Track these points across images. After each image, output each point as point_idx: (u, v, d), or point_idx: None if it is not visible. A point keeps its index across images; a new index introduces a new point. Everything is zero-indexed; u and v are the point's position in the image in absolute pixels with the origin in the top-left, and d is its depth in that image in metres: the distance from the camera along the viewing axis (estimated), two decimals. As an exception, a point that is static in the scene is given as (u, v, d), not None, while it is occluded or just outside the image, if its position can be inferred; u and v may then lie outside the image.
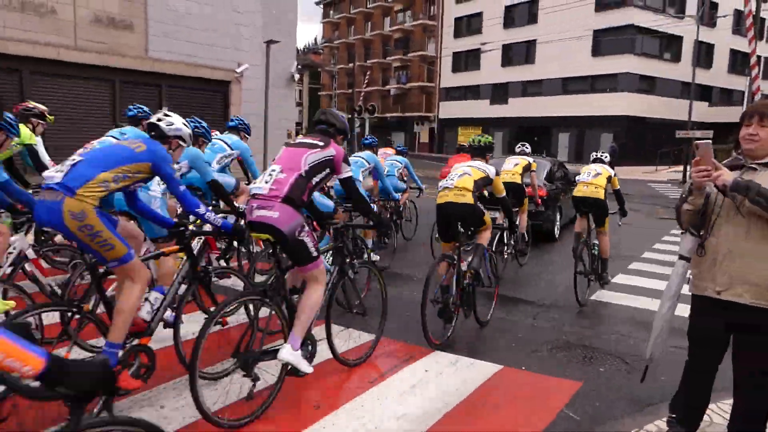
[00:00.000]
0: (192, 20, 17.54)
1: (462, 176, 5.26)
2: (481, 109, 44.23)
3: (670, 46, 37.47)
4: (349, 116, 31.60)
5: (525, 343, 5.08)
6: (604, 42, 35.83)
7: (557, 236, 10.71)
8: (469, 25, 45.15)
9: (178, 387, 3.72)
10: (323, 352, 4.42)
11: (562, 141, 38.06)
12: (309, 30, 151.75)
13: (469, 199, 5.12)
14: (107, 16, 15.73)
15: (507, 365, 4.46)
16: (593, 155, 7.40)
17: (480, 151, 5.62)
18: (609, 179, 6.83)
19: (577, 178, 7.15)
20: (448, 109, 47.62)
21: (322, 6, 64.01)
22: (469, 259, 5.20)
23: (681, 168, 28.73)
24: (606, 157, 7.35)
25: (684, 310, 6.21)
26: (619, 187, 7.06)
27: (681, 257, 2.90)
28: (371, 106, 32.73)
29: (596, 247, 6.88)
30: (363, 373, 4.21)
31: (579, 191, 6.81)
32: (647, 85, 36.42)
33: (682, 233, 2.83)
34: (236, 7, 18.79)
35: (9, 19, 13.95)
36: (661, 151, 34.11)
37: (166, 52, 16.87)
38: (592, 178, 6.80)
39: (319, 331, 4.59)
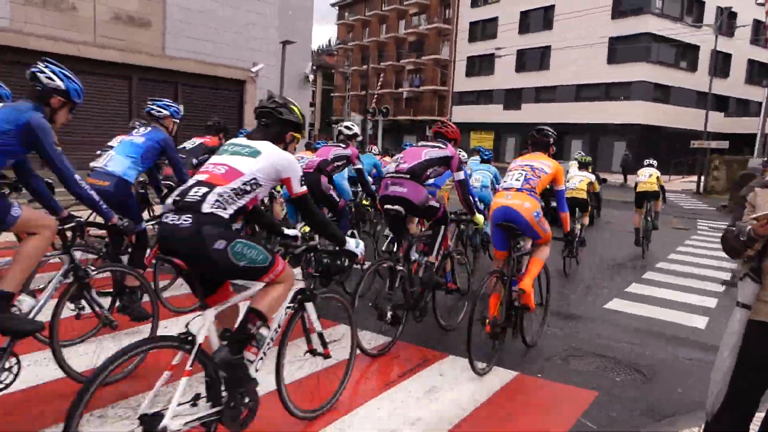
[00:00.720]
0: (209, 19, 17.65)
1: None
2: (494, 114, 44.15)
3: (686, 54, 37.23)
4: (362, 118, 31.64)
5: (539, 351, 5.05)
6: (619, 49, 35.66)
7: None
8: (484, 29, 45.10)
9: (193, 384, 3.72)
10: (337, 355, 4.42)
11: (575, 148, 37.84)
12: (324, 31, 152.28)
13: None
14: (126, 14, 15.86)
15: (522, 372, 4.44)
16: (646, 161, 10.82)
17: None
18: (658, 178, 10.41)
19: (637, 179, 10.57)
20: (461, 113, 47.56)
21: (337, 8, 64.20)
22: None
23: (695, 178, 28.51)
24: (655, 162, 10.75)
25: (690, 319, 6.18)
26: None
27: (742, 305, 2.65)
28: (384, 108, 32.75)
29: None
30: (378, 376, 4.21)
31: (641, 187, 10.35)
32: (662, 93, 36.20)
33: (740, 279, 2.66)
34: (253, 7, 18.88)
35: (30, 15, 14.10)
36: (676, 160, 33.90)
37: (183, 50, 16.98)
38: (648, 178, 10.36)
39: (332, 333, 4.59)
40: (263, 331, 2.94)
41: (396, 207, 4.71)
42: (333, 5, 64.35)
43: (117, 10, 15.68)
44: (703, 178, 27.29)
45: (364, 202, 8.27)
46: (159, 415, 2.47)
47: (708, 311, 6.77)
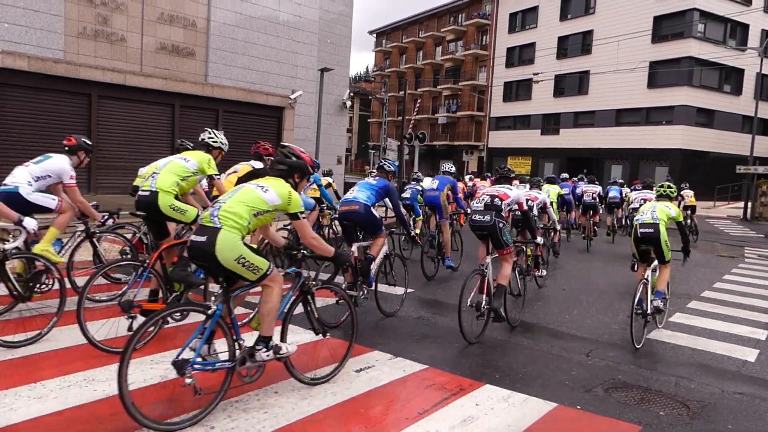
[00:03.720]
0: (250, 48, 18.17)
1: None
2: (532, 139, 43.86)
3: (730, 78, 36.42)
4: (399, 143, 31.85)
5: (579, 381, 4.90)
6: (660, 73, 35.12)
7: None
8: (521, 54, 45.09)
9: (227, 409, 3.74)
10: (371, 381, 4.39)
11: (614, 173, 37.23)
12: (362, 58, 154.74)
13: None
14: (171, 44, 16.47)
15: (561, 403, 4.30)
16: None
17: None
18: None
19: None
20: (498, 139, 47.41)
21: (375, 35, 65.25)
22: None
23: (741, 204, 27.63)
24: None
25: (739, 351, 5.91)
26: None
27: None
28: (421, 133, 32.83)
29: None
30: (412, 404, 4.14)
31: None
32: (705, 117, 35.41)
33: None
34: (294, 36, 19.36)
35: (83, 47, 14.78)
36: (720, 186, 32.94)
37: (224, 78, 17.49)
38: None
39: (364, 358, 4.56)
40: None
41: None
42: (371, 33, 65.46)
43: (163, 40, 16.31)
44: (750, 203, 26.42)
45: None
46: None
47: (758, 343, 6.47)
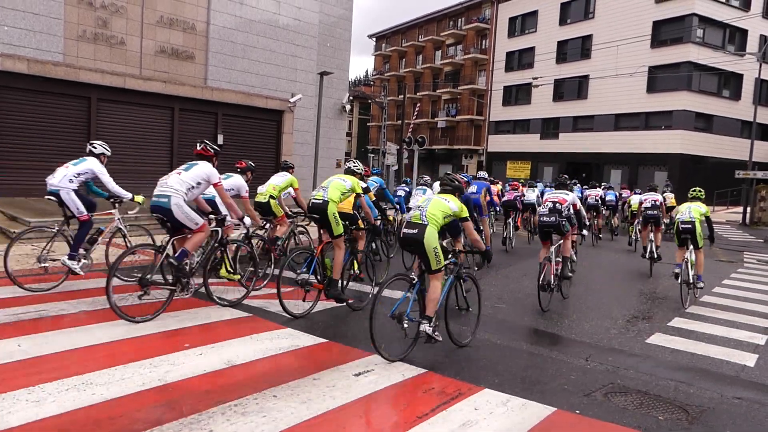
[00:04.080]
0: (250, 52, 18.18)
1: None
2: (531, 143, 43.91)
3: (729, 83, 36.48)
4: (398, 147, 31.87)
5: (578, 386, 4.89)
6: (659, 78, 35.18)
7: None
8: (521, 59, 45.17)
9: (226, 412, 3.73)
10: (371, 385, 4.38)
11: (614, 177, 37.27)
12: (361, 62, 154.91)
13: None
14: (171, 48, 16.49)
15: (560, 408, 4.29)
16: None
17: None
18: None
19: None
20: (497, 143, 47.44)
21: (374, 39, 65.34)
22: None
23: (740, 209, 27.65)
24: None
25: (738, 356, 5.90)
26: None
27: None
28: (420, 137, 32.86)
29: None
30: (411, 408, 4.13)
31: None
32: (704, 122, 35.46)
33: None
34: (293, 39, 19.39)
35: (83, 50, 14.79)
36: (719, 191, 32.97)
37: (224, 81, 17.50)
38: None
39: (362, 363, 4.55)
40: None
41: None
42: (370, 37, 65.54)
43: (162, 44, 16.32)
44: (749, 208, 26.44)
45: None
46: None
47: (758, 348, 6.47)
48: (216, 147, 6.37)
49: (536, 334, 6.65)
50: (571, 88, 40.90)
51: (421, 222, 5.22)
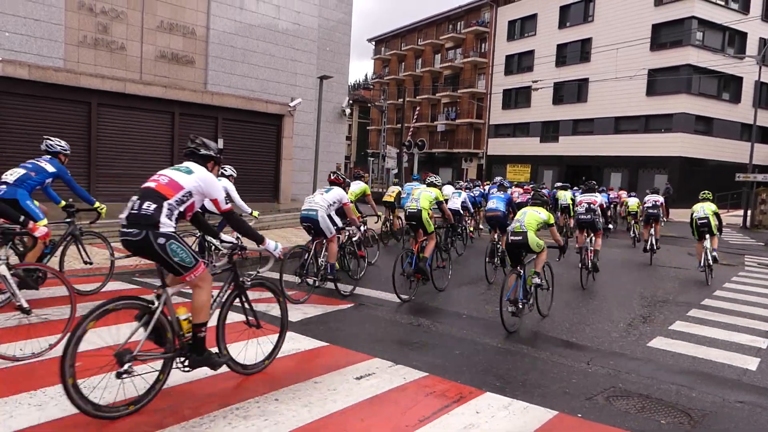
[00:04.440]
0: (250, 56, 18.22)
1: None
2: (531, 146, 43.95)
3: (729, 86, 36.54)
4: (398, 151, 31.91)
5: (580, 389, 4.89)
6: (659, 81, 35.23)
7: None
8: (521, 62, 45.24)
9: (227, 416, 3.73)
10: (372, 388, 4.38)
11: (614, 180, 37.32)
12: (360, 66, 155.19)
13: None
14: (171, 53, 16.52)
15: (562, 412, 4.29)
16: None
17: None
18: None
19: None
20: (497, 146, 47.49)
21: (373, 43, 65.46)
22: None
23: (741, 212, 27.63)
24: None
25: (740, 360, 5.90)
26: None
27: None
28: (420, 141, 32.98)
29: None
30: (413, 411, 4.13)
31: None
32: (704, 125, 35.50)
33: None
34: (293, 44, 19.43)
35: (83, 55, 14.83)
36: (719, 194, 32.97)
37: (224, 86, 17.54)
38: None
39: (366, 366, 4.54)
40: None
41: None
42: (370, 41, 65.66)
43: (163, 49, 16.35)
44: (749, 211, 26.43)
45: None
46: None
47: (759, 352, 6.46)
48: (345, 177, 8.43)
49: (537, 337, 6.64)
50: (570, 92, 40.95)
51: (522, 230, 6.78)
